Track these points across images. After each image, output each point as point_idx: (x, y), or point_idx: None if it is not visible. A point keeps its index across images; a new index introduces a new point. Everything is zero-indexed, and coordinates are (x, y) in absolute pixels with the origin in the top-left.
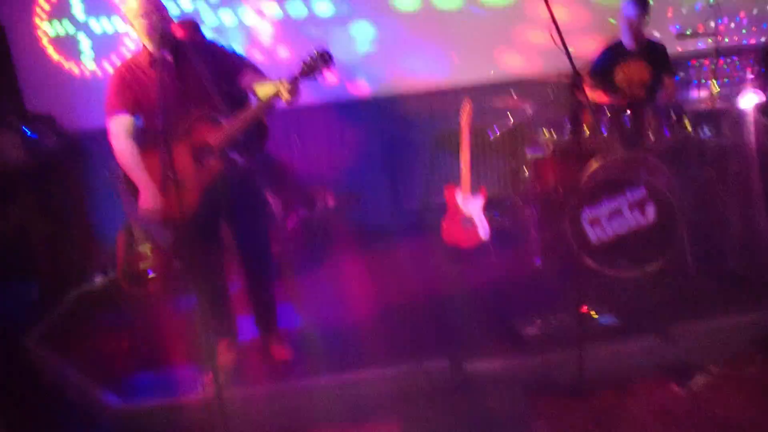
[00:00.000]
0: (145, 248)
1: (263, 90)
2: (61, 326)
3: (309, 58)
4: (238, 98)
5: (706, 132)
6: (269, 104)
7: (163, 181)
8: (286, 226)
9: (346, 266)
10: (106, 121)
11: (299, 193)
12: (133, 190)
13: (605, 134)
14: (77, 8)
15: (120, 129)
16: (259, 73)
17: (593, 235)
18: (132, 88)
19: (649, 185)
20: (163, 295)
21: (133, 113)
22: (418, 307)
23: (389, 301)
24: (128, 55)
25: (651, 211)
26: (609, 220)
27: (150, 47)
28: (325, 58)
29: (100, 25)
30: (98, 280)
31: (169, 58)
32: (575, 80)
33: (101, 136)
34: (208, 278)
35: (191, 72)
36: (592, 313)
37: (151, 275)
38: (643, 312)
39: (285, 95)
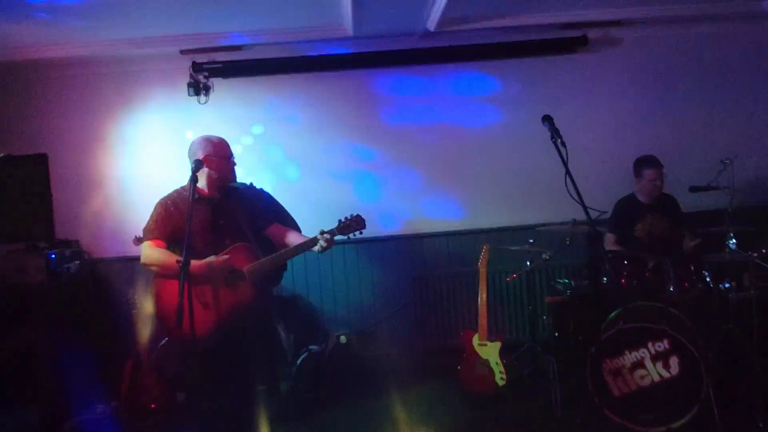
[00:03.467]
0: (151, 381)
1: (297, 238)
2: None
3: (345, 219)
4: (264, 244)
5: (727, 285)
6: (303, 250)
7: (184, 299)
8: (296, 362)
9: (356, 407)
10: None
11: (312, 329)
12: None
13: (624, 284)
14: (117, 144)
15: (151, 245)
16: (289, 228)
17: (615, 387)
18: (173, 221)
19: (672, 337)
20: (164, 429)
21: (167, 243)
22: None
23: None
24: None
25: (675, 364)
26: (631, 373)
27: (206, 188)
28: (359, 222)
29: (134, 162)
30: (99, 409)
31: (216, 196)
32: (592, 229)
33: (123, 265)
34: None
35: (231, 213)
36: None
37: (154, 408)
38: None
39: (323, 245)
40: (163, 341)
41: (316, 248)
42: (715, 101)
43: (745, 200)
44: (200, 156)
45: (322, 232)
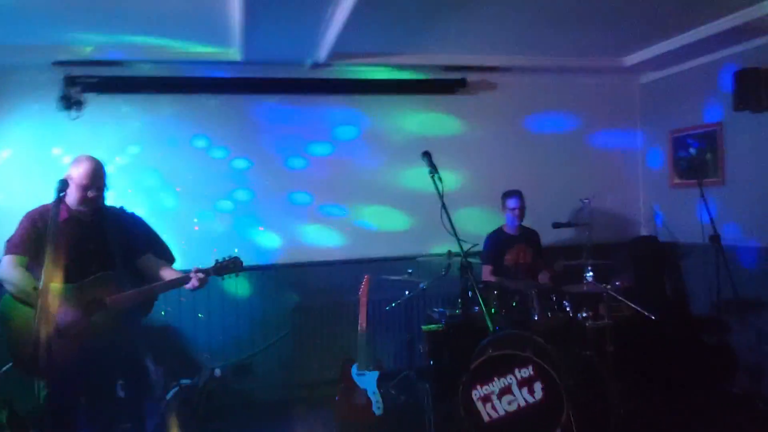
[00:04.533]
0: (2, 416)
1: (169, 273)
2: None
3: (223, 259)
4: (135, 274)
5: (584, 314)
6: (173, 287)
7: (39, 326)
8: (165, 397)
9: None
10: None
11: (184, 361)
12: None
13: (494, 313)
14: None
15: (12, 262)
16: (163, 262)
17: (485, 413)
18: (40, 237)
19: (536, 364)
20: None
21: (32, 258)
22: None
23: None
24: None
25: (539, 390)
26: (499, 398)
27: (76, 206)
28: (237, 264)
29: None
30: None
31: (88, 219)
32: (464, 260)
33: None
34: None
35: (102, 237)
36: None
37: None
38: None
39: (194, 283)
40: (6, 368)
41: (188, 286)
42: (577, 144)
43: (601, 236)
44: (65, 177)
45: (197, 270)
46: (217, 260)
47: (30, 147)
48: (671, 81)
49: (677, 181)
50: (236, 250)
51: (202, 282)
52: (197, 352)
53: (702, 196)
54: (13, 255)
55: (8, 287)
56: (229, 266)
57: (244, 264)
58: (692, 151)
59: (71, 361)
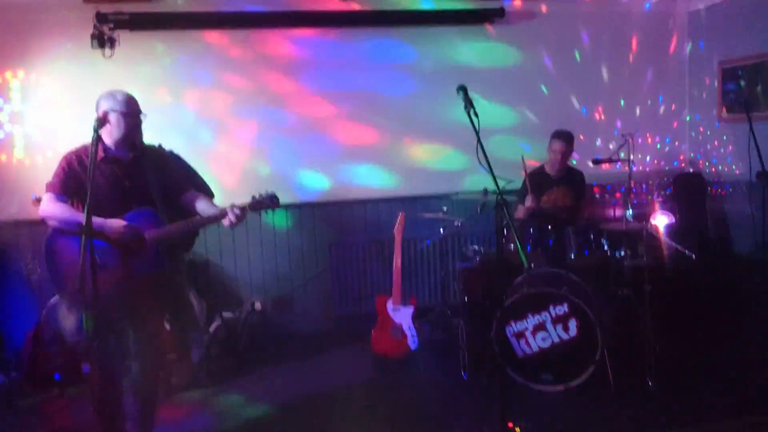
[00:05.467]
0: (54, 349)
1: (208, 209)
2: None
3: (259, 195)
4: (178, 211)
5: (622, 252)
6: (210, 222)
7: (83, 260)
8: (209, 330)
9: (270, 373)
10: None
11: (226, 295)
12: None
13: (529, 251)
14: (14, 98)
15: (52, 198)
16: (204, 196)
17: (518, 349)
18: (77, 177)
19: (572, 302)
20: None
21: (69, 197)
22: (341, 418)
23: (312, 410)
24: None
25: (574, 327)
26: (533, 335)
27: (113, 146)
28: (273, 200)
29: (34, 119)
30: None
31: (125, 157)
32: (500, 198)
33: (19, 228)
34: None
35: (141, 175)
36: (517, 429)
37: (58, 379)
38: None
39: (231, 219)
40: (53, 300)
41: (225, 222)
42: (621, 76)
43: (643, 173)
44: (101, 112)
45: (233, 206)
46: (253, 196)
47: (65, 86)
48: (721, 9)
49: (725, 115)
50: (271, 190)
51: (239, 218)
52: (238, 287)
53: (751, 130)
54: (51, 193)
55: (52, 222)
56: (266, 202)
57: (281, 201)
58: (742, 83)
59: (114, 293)
